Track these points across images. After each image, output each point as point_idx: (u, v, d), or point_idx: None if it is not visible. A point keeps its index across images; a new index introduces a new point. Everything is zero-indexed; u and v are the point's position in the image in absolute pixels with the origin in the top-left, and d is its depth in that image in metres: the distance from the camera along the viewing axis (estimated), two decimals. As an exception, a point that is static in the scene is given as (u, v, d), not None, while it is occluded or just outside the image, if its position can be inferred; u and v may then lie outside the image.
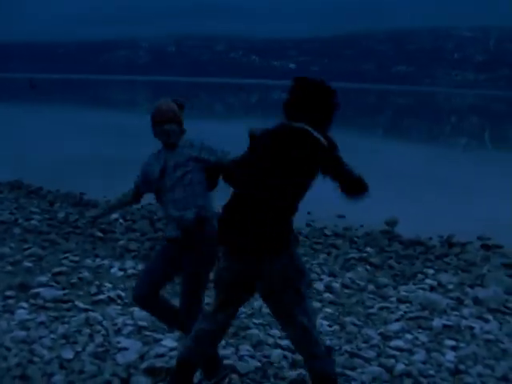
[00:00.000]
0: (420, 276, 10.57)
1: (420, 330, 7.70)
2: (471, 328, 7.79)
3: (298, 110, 4.91)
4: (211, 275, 5.39)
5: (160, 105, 5.65)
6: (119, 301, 8.11)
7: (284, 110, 4.99)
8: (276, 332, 7.28)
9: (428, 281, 10.11)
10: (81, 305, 7.83)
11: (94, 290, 8.49)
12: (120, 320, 7.35)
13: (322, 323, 7.71)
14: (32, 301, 7.99)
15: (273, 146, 4.75)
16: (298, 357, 6.47)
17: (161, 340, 6.79)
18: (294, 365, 6.36)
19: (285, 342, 6.88)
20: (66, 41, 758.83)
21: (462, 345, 7.22)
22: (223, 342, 6.78)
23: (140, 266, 9.75)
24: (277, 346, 6.87)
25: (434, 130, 56.04)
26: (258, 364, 6.22)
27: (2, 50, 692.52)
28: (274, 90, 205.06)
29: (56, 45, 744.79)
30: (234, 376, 6.01)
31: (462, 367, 6.50)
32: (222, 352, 6.39)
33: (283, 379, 6.03)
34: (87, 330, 6.97)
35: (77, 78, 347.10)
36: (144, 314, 7.47)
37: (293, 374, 6.13)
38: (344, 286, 9.66)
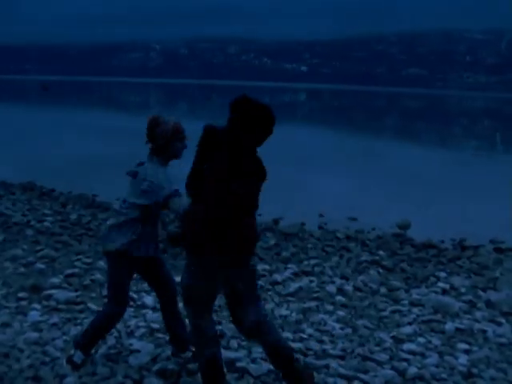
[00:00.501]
0: (432, 279, 10.54)
1: (432, 334, 7.68)
2: (484, 331, 7.77)
3: (241, 129, 5.23)
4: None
5: (178, 122, 5.88)
6: (132, 303, 8.12)
7: (229, 124, 5.32)
8: (288, 335, 7.27)
9: (440, 284, 10.09)
10: (93, 307, 7.85)
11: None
12: (133, 322, 7.36)
13: (334, 326, 7.71)
14: (45, 302, 8.00)
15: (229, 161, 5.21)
16: (310, 360, 6.48)
17: (173, 342, 6.79)
18: (305, 368, 6.35)
19: (296, 345, 6.88)
20: (78, 42, 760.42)
21: (474, 348, 7.20)
22: (235, 345, 6.79)
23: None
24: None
25: (445, 133, 55.92)
26: (271, 367, 6.21)
27: (15, 51, 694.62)
28: (286, 92, 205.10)
29: (68, 46, 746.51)
30: (247, 378, 6.01)
31: (474, 371, 6.48)
32: (234, 354, 6.40)
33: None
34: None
35: (89, 80, 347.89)
36: (156, 316, 7.49)
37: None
38: (356, 288, 9.65)
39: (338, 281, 10.01)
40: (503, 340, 7.49)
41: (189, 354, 6.18)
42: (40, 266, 9.70)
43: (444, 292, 9.62)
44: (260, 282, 9.42)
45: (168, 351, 6.46)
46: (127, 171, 5.81)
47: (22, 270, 9.51)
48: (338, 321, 8.01)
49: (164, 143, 5.70)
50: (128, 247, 5.75)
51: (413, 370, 6.41)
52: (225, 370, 5.79)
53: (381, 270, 11.10)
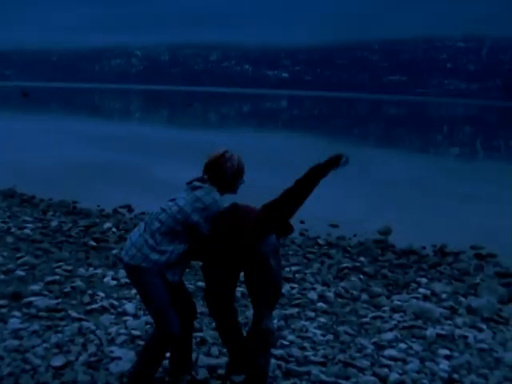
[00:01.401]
0: (413, 285, 10.58)
1: (414, 339, 7.70)
2: (465, 337, 7.80)
3: None
4: None
5: (241, 157, 5.89)
6: (112, 310, 8.09)
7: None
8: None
9: (421, 290, 10.13)
10: (74, 314, 7.80)
11: (87, 299, 8.47)
12: (113, 329, 7.33)
13: (315, 332, 7.71)
14: (25, 310, 7.96)
15: None
16: (292, 366, 6.48)
17: (154, 349, 6.76)
18: (287, 374, 6.35)
19: (278, 352, 6.87)
20: (59, 49, 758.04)
21: (455, 354, 7.23)
22: (217, 352, 6.78)
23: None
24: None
25: (426, 140, 56.14)
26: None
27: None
28: (267, 99, 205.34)
29: (50, 53, 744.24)
30: (228, 385, 6.01)
31: (455, 376, 6.51)
32: (215, 361, 6.39)
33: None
34: (80, 340, 6.95)
35: (70, 87, 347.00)
36: (137, 323, 7.47)
37: (287, 383, 6.12)
38: (338, 295, 9.66)
39: (320, 287, 10.01)
40: (484, 346, 7.52)
41: (187, 378, 6.11)
42: (20, 273, 9.64)
43: (425, 298, 9.65)
44: (242, 289, 9.41)
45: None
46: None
47: (2, 277, 9.45)
48: (319, 327, 8.01)
49: (231, 179, 5.70)
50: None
51: (394, 376, 6.43)
52: (207, 375, 5.81)
53: (362, 277, 11.12)
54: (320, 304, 9.05)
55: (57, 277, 9.43)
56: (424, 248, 14.36)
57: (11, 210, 16.42)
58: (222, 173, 5.72)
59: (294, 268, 11.36)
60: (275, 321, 8.13)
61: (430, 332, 7.87)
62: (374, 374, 6.50)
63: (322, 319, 8.35)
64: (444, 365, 6.84)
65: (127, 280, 9.48)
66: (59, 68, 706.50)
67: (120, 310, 8.11)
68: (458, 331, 7.98)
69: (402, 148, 46.68)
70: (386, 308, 9.02)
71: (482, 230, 16.46)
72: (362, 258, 12.76)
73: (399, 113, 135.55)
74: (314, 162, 5.48)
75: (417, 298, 9.56)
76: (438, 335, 7.84)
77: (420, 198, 21.70)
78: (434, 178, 27.47)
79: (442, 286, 10.41)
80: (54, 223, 14.47)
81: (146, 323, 7.54)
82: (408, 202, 20.71)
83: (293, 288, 9.87)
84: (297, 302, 9.09)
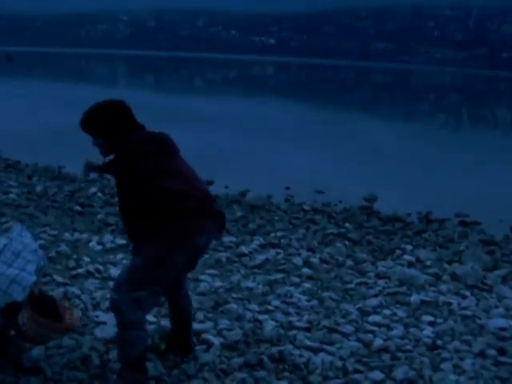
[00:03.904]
0: (398, 252, 10.60)
1: (398, 306, 7.73)
2: (449, 304, 7.83)
3: None
4: None
5: None
6: (97, 275, 8.08)
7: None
8: (254, 307, 7.29)
9: (406, 257, 10.16)
10: (59, 279, 7.78)
11: (72, 264, 8.45)
12: (98, 294, 7.32)
13: (300, 298, 7.73)
14: (10, 274, 7.93)
15: None
16: (276, 331, 6.50)
17: (139, 314, 6.77)
18: (272, 339, 6.38)
19: (263, 317, 6.90)
20: (43, 13, 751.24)
21: (439, 320, 7.26)
22: (202, 317, 6.79)
23: (118, 240, 9.71)
24: (255, 320, 6.88)
25: (412, 108, 56.14)
26: (237, 338, 6.24)
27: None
28: (254, 65, 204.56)
29: (34, 17, 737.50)
30: (214, 349, 6.03)
31: (439, 342, 6.54)
32: (201, 326, 6.40)
33: (261, 354, 6.03)
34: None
35: (55, 52, 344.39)
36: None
37: (274, 349, 6.15)
38: (322, 261, 9.68)
39: (305, 253, 10.03)
40: (468, 312, 7.56)
41: None
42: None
43: (410, 265, 9.68)
44: (227, 254, 9.42)
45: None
46: None
47: (-13, 241, 9.40)
48: (304, 293, 8.03)
49: None
50: None
51: (378, 342, 6.46)
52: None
53: (347, 243, 11.14)
54: (305, 270, 9.07)
55: (42, 241, 9.39)
56: (409, 215, 14.41)
57: (-4, 174, 16.35)
58: None
59: (279, 233, 11.37)
60: (260, 286, 8.15)
61: (415, 298, 7.90)
62: (359, 340, 6.53)
63: (307, 285, 8.37)
64: (428, 331, 6.88)
65: (112, 245, 9.48)
66: (44, 33, 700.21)
67: (105, 274, 8.10)
68: (442, 298, 8.02)
69: (389, 116, 46.68)
70: (370, 274, 9.05)
71: (467, 197, 16.53)
72: (347, 225, 12.79)
73: (386, 80, 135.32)
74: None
75: (401, 265, 9.59)
76: (423, 302, 7.88)
77: (406, 166, 21.75)
78: (419, 146, 27.51)
79: (427, 253, 10.45)
80: (40, 188, 14.41)
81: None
82: (394, 170, 20.75)
83: (278, 253, 9.88)
84: (282, 267, 9.10)
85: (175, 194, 4.96)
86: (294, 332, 6.62)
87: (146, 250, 5.00)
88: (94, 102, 5.28)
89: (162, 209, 4.94)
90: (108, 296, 7.21)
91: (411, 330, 6.90)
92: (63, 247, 9.15)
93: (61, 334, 5.19)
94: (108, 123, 5.10)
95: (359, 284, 8.55)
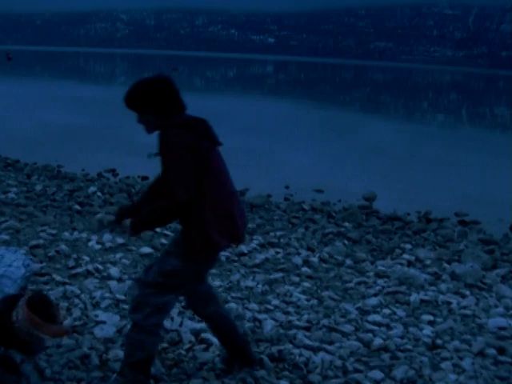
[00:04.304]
0: (397, 251, 10.61)
1: (397, 305, 7.73)
2: (448, 303, 7.83)
3: None
4: None
5: None
6: (97, 274, 8.07)
7: None
8: (254, 306, 7.29)
9: (405, 256, 10.16)
10: (58, 278, 7.78)
11: (71, 263, 8.43)
12: (98, 293, 7.32)
13: (300, 297, 7.73)
14: (9, 274, 7.93)
15: None
16: (275, 331, 6.50)
17: (139, 313, 6.76)
18: (272, 339, 6.37)
19: (262, 316, 6.90)
20: (42, 12, 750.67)
21: (439, 320, 7.26)
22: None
23: (118, 240, 9.71)
24: (255, 320, 6.88)
25: (411, 107, 56.16)
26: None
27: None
28: (253, 64, 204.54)
29: (34, 16, 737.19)
30: (213, 349, 6.02)
31: (439, 342, 6.54)
32: (200, 325, 6.40)
33: (261, 353, 6.03)
34: (65, 304, 6.93)
35: (54, 50, 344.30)
36: (121, 287, 7.46)
37: (273, 348, 6.14)
38: (322, 260, 9.68)
39: (304, 252, 10.03)
40: (467, 312, 7.55)
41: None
42: (4, 237, 9.59)
43: (409, 264, 9.68)
44: (226, 253, 9.41)
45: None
46: None
47: (-14, 240, 9.41)
48: (303, 292, 8.03)
49: None
50: None
51: (378, 341, 6.45)
52: (192, 339, 5.82)
53: (346, 242, 11.15)
54: (304, 269, 9.07)
55: (41, 241, 9.39)
56: (408, 214, 14.43)
57: (-5, 173, 16.35)
58: None
59: (278, 233, 11.37)
60: (260, 285, 8.15)
61: (414, 298, 7.90)
62: (358, 339, 6.53)
63: (307, 284, 8.37)
64: (427, 330, 6.88)
65: (111, 244, 9.47)
66: (43, 32, 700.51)
67: (104, 274, 8.09)
68: (441, 297, 8.02)
69: (388, 114, 46.72)
70: (370, 273, 9.05)
71: (467, 196, 16.55)
72: (346, 224, 12.80)
73: (385, 79, 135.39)
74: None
75: (401, 264, 9.58)
76: (422, 301, 7.87)
77: (405, 165, 21.76)
78: (419, 145, 27.52)
79: (426, 252, 10.45)
80: (39, 187, 14.42)
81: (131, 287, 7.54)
82: (393, 168, 20.77)
83: (277, 253, 9.88)
84: (281, 266, 9.10)
85: (226, 194, 4.85)
86: (293, 331, 6.61)
87: (188, 252, 4.84)
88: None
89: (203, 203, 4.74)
90: (107, 295, 7.22)
91: (411, 329, 6.90)
92: (62, 246, 9.13)
93: (51, 337, 5.10)
94: (157, 98, 4.81)
95: (359, 283, 8.55)
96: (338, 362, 5.97)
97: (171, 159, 4.72)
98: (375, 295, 8.05)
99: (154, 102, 4.82)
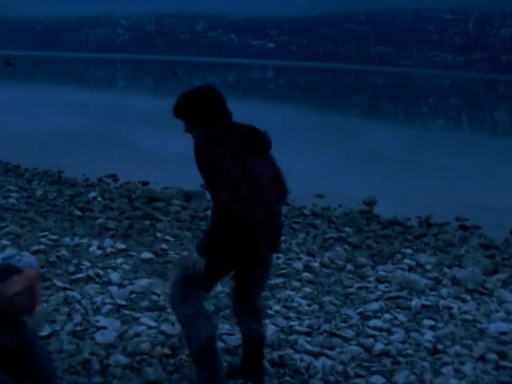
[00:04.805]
0: (398, 256, 10.61)
1: (398, 310, 7.72)
2: (449, 308, 7.83)
3: None
4: None
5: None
6: (98, 279, 8.07)
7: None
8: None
9: (406, 261, 10.15)
10: (59, 283, 7.77)
11: (72, 268, 8.43)
12: (99, 299, 7.31)
13: (300, 302, 7.72)
14: (9, 279, 7.91)
15: None
16: (276, 336, 6.50)
17: (139, 319, 6.77)
18: (272, 345, 6.37)
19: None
20: (43, 18, 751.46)
21: (440, 325, 7.26)
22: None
23: (118, 245, 9.71)
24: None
25: (412, 111, 56.18)
26: (238, 343, 6.23)
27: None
28: (253, 69, 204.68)
29: (34, 22, 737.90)
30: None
31: (440, 347, 6.54)
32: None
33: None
34: (66, 309, 6.93)
35: (54, 56, 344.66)
36: (122, 292, 7.46)
37: (274, 354, 6.14)
38: (323, 265, 9.67)
39: (305, 257, 10.02)
40: (468, 316, 7.55)
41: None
42: (5, 242, 9.59)
43: (410, 269, 9.68)
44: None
45: (135, 328, 6.45)
46: None
47: (-13, 246, 9.41)
48: (304, 297, 8.02)
49: None
50: None
51: (379, 346, 6.45)
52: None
53: (347, 247, 11.14)
54: (305, 274, 9.06)
55: (42, 246, 9.39)
56: (409, 219, 14.42)
57: (-4, 179, 16.35)
58: None
59: (279, 238, 11.35)
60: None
61: (415, 303, 7.89)
62: (359, 344, 6.52)
63: (308, 289, 8.36)
64: (428, 335, 6.87)
65: (112, 249, 9.47)
66: (43, 37, 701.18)
67: (105, 279, 8.09)
68: (442, 302, 8.01)
69: (388, 119, 46.73)
70: (371, 278, 9.04)
71: (467, 201, 16.54)
72: (347, 229, 12.79)
73: (385, 84, 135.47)
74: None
75: (402, 269, 9.58)
76: (423, 306, 7.87)
77: (405, 169, 21.75)
78: (419, 149, 27.52)
79: (427, 257, 10.45)
80: (39, 192, 14.42)
81: (131, 293, 7.54)
82: (393, 173, 20.76)
83: (278, 258, 9.86)
84: (282, 271, 9.08)
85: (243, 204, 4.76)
86: (294, 336, 6.61)
87: (204, 248, 4.87)
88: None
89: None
90: (108, 300, 7.23)
91: (412, 334, 6.90)
92: (63, 252, 9.13)
93: (25, 285, 4.80)
94: (197, 108, 4.94)
95: (359, 288, 8.54)
96: (339, 367, 5.96)
97: (200, 170, 4.78)
98: (376, 300, 8.05)
99: (194, 112, 4.96)
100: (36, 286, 4.37)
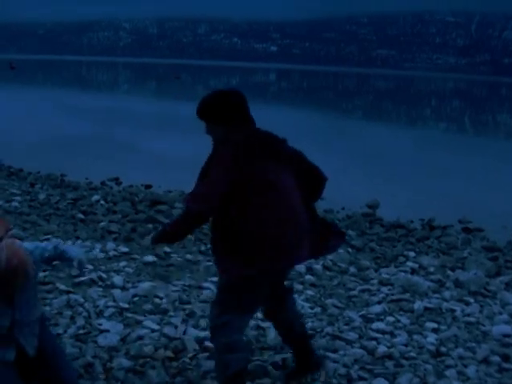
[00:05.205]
0: (401, 258, 10.60)
1: (401, 313, 7.71)
2: (452, 311, 7.81)
3: None
4: None
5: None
6: (100, 282, 8.07)
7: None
8: (258, 314, 7.27)
9: (409, 263, 10.14)
10: (62, 287, 7.77)
11: (75, 271, 8.42)
12: (101, 302, 7.31)
13: (303, 305, 7.71)
14: (12, 282, 7.91)
15: None
16: (279, 339, 6.50)
17: (142, 322, 6.77)
18: (276, 347, 6.36)
19: (266, 324, 6.88)
20: (46, 21, 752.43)
21: (443, 327, 7.24)
22: (205, 324, 6.78)
23: (121, 248, 9.71)
24: (259, 328, 6.87)
25: (414, 114, 56.17)
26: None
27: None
28: (256, 72, 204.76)
29: (36, 25, 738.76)
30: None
31: (443, 349, 6.52)
32: (204, 333, 6.39)
33: (264, 361, 6.02)
34: (68, 312, 6.93)
35: (57, 59, 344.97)
36: (125, 295, 7.46)
37: (277, 357, 6.13)
38: (325, 268, 9.65)
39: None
40: (471, 319, 7.54)
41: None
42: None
43: (413, 271, 9.67)
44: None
45: (137, 331, 6.45)
46: None
47: (-10, 249, 9.38)
48: (307, 300, 8.02)
49: None
50: None
51: (382, 349, 6.44)
52: (196, 347, 5.80)
53: (350, 250, 11.13)
54: (308, 277, 9.05)
55: (45, 249, 9.38)
56: (412, 222, 14.41)
57: (-2, 182, 16.37)
58: None
59: (282, 241, 11.34)
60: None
61: (418, 305, 7.88)
62: (362, 347, 6.51)
63: (310, 292, 8.36)
64: (431, 338, 6.86)
65: (115, 252, 9.48)
66: (46, 41, 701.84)
67: (108, 282, 8.08)
68: (445, 304, 8.00)
69: (391, 121, 46.71)
70: (373, 281, 9.03)
71: (470, 204, 16.52)
72: (350, 231, 12.78)
73: (388, 87, 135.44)
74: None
75: (405, 272, 9.57)
76: (426, 308, 7.85)
77: (408, 172, 21.73)
78: (422, 152, 27.50)
79: (430, 260, 10.44)
80: (42, 196, 14.44)
81: (134, 296, 7.54)
82: (396, 176, 20.74)
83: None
84: (285, 274, 9.08)
85: (272, 218, 4.80)
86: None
87: (232, 269, 4.86)
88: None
89: (255, 229, 4.76)
90: (111, 304, 7.23)
91: (415, 336, 6.88)
92: (66, 255, 9.12)
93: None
94: (226, 110, 4.89)
95: (362, 291, 8.54)
96: (342, 370, 5.95)
97: (207, 169, 4.77)
98: (379, 303, 8.04)
99: (214, 111, 4.93)
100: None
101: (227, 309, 4.89)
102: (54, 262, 5.36)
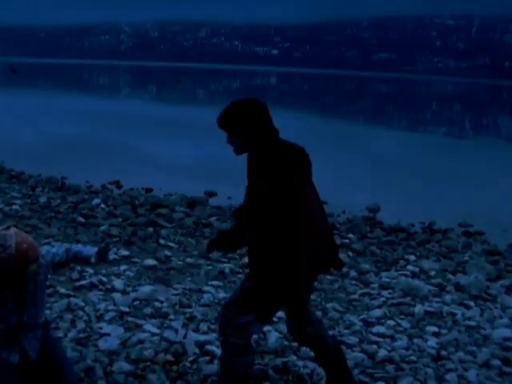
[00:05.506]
0: (402, 262, 10.59)
1: (402, 316, 7.72)
2: (453, 314, 7.81)
3: None
4: None
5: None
6: (101, 286, 8.07)
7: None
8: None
9: (410, 267, 10.14)
10: (62, 290, 7.78)
11: (75, 275, 8.43)
12: (102, 306, 7.32)
13: (304, 309, 7.71)
14: (13, 286, 7.92)
15: None
16: (280, 342, 6.49)
17: (142, 325, 6.77)
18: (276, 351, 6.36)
19: (267, 328, 6.88)
20: (47, 25, 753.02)
21: (443, 331, 7.24)
22: (205, 328, 6.78)
23: (122, 252, 9.71)
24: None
25: (415, 117, 56.12)
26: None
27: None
28: (257, 75, 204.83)
29: (38, 28, 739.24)
30: (218, 361, 6.01)
31: (443, 353, 6.52)
32: (204, 337, 6.39)
33: (265, 365, 6.02)
34: (69, 316, 6.94)
35: (58, 63, 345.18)
36: (125, 299, 7.46)
37: (278, 360, 6.14)
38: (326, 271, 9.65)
39: (308, 264, 9.99)
40: (472, 323, 7.54)
41: None
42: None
43: (413, 275, 9.66)
44: (230, 265, 9.41)
45: (138, 335, 6.45)
46: None
47: (-10, 253, 9.39)
48: (308, 304, 8.01)
49: None
50: None
51: (382, 353, 6.44)
52: (197, 351, 5.80)
53: (351, 253, 11.13)
54: (309, 281, 9.04)
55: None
56: (412, 225, 14.40)
57: (-1, 185, 16.37)
58: None
59: (282, 245, 11.34)
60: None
61: (418, 309, 7.88)
62: (363, 351, 6.52)
63: (311, 296, 8.35)
64: (432, 342, 6.86)
65: (116, 256, 9.48)
66: (47, 44, 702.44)
67: (108, 286, 8.09)
68: (446, 308, 8.00)
69: (391, 125, 46.68)
70: (374, 285, 9.03)
71: (471, 207, 16.51)
72: (350, 235, 12.78)
73: (388, 90, 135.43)
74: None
75: (405, 275, 9.56)
76: (427, 312, 7.86)
77: (409, 176, 21.73)
78: (422, 156, 27.50)
79: (431, 263, 10.43)
80: (43, 199, 14.43)
81: (134, 299, 7.54)
82: (397, 179, 20.74)
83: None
84: (285, 278, 9.07)
85: (311, 231, 4.87)
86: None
87: (261, 277, 4.87)
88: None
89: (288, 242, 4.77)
90: (111, 307, 7.23)
91: (415, 340, 6.89)
92: (66, 258, 9.12)
93: None
94: (248, 120, 4.86)
95: (363, 295, 8.54)
96: (343, 374, 5.95)
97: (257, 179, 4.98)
98: (379, 307, 8.04)
99: (235, 121, 4.90)
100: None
101: (249, 311, 4.89)
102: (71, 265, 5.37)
